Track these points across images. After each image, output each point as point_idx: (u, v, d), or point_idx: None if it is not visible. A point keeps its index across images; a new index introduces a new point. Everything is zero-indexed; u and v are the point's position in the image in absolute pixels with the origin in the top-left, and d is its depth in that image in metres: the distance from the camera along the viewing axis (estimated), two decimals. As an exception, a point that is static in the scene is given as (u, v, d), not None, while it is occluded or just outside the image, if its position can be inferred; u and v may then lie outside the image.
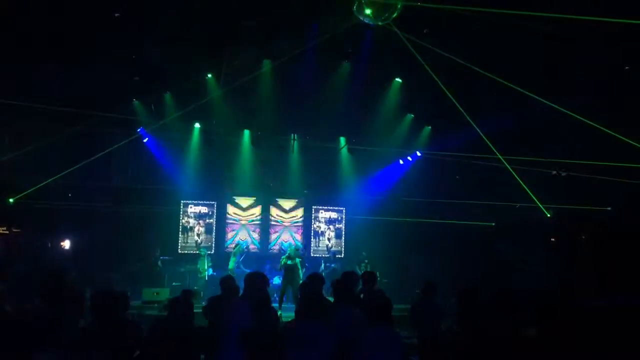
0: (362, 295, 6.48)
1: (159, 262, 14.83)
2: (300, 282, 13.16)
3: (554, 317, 3.21)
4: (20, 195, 13.24)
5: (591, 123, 10.03)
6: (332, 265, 15.73)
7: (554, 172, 12.55)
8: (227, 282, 6.10)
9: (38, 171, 13.21)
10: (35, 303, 4.76)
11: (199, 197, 17.04)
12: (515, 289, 3.71)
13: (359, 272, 14.98)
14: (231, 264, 14.32)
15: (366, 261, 15.28)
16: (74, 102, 12.26)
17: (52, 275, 4.88)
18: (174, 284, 14.67)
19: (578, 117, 10.10)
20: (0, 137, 13.21)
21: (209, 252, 15.99)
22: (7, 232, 13.84)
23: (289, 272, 12.66)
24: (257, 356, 4.98)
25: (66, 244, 14.92)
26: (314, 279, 6.26)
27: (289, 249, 13.48)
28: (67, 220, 14.37)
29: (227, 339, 5.08)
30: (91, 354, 4.32)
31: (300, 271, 13.17)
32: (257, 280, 5.62)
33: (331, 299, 5.86)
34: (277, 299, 12.61)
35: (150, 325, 4.90)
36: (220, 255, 16.27)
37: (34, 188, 13.03)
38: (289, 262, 12.74)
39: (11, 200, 13.37)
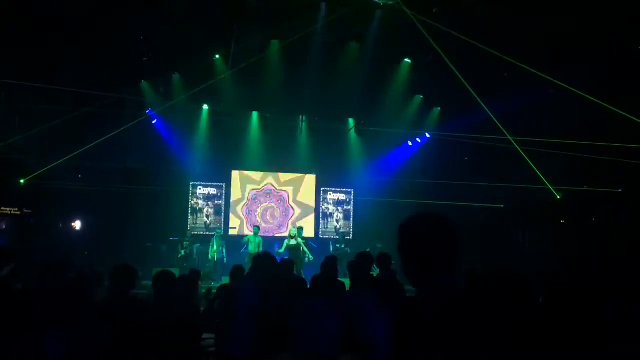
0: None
1: (185, 245, 14.81)
2: (306, 261, 13.33)
3: (559, 300, 3.20)
4: (31, 176, 13.36)
5: (603, 104, 9.91)
6: (343, 246, 15.68)
7: None
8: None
9: (49, 152, 13.30)
10: (45, 282, 4.81)
11: (208, 178, 17.11)
12: (520, 272, 3.70)
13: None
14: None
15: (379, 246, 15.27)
16: (84, 83, 12.29)
17: (52, 264, 4.92)
18: (185, 264, 14.75)
19: (589, 97, 9.97)
20: (11, 118, 13.28)
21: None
22: (18, 212, 14.00)
23: (292, 253, 12.80)
24: (265, 335, 5.02)
25: (77, 225, 15.07)
26: (331, 260, 6.27)
27: (290, 230, 13.59)
28: (78, 201, 14.50)
29: (235, 318, 5.12)
30: (104, 332, 4.38)
31: (307, 252, 13.29)
32: (265, 262, 5.60)
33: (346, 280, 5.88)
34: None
35: (154, 304, 4.95)
36: (228, 237, 16.42)
37: (45, 169, 13.14)
38: (292, 242, 12.87)
39: (22, 181, 13.50)
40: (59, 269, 4.94)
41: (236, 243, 15.61)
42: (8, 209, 14.01)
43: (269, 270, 5.48)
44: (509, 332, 1.90)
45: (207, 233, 16.11)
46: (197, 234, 16.27)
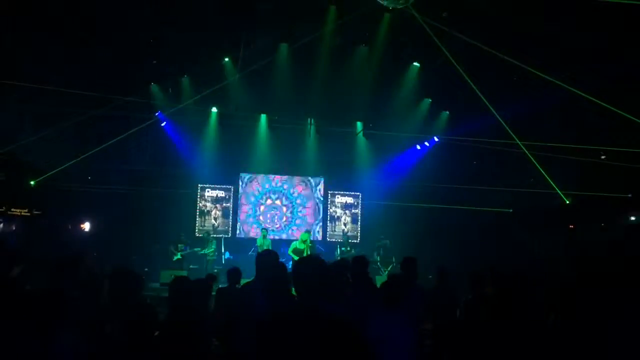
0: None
1: (180, 248, 14.70)
2: None
3: (566, 304, 3.19)
4: (41, 177, 13.46)
5: (612, 108, 9.85)
6: (349, 249, 15.63)
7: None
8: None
9: (58, 154, 13.40)
10: (54, 284, 4.83)
11: (216, 181, 17.14)
12: (524, 275, 3.70)
13: (376, 258, 15.12)
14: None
15: (387, 242, 15.25)
16: (94, 85, 12.38)
17: (68, 260, 4.94)
18: (191, 266, 14.75)
19: (598, 101, 9.92)
20: (21, 120, 13.38)
21: (226, 235, 16.19)
22: (28, 213, 14.09)
23: (298, 255, 12.80)
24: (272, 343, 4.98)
25: (86, 226, 15.14)
26: (342, 263, 6.23)
27: (301, 235, 13.54)
28: (87, 203, 14.57)
29: (241, 327, 5.10)
30: (109, 334, 4.38)
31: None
32: (269, 259, 5.41)
33: None
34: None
35: (170, 307, 4.94)
36: (236, 240, 16.46)
37: (55, 171, 13.24)
38: (301, 246, 12.86)
39: (32, 182, 13.60)
40: (73, 264, 4.95)
41: (243, 245, 15.65)
42: (18, 210, 14.10)
43: (272, 263, 5.34)
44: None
45: (216, 236, 16.10)
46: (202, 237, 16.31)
